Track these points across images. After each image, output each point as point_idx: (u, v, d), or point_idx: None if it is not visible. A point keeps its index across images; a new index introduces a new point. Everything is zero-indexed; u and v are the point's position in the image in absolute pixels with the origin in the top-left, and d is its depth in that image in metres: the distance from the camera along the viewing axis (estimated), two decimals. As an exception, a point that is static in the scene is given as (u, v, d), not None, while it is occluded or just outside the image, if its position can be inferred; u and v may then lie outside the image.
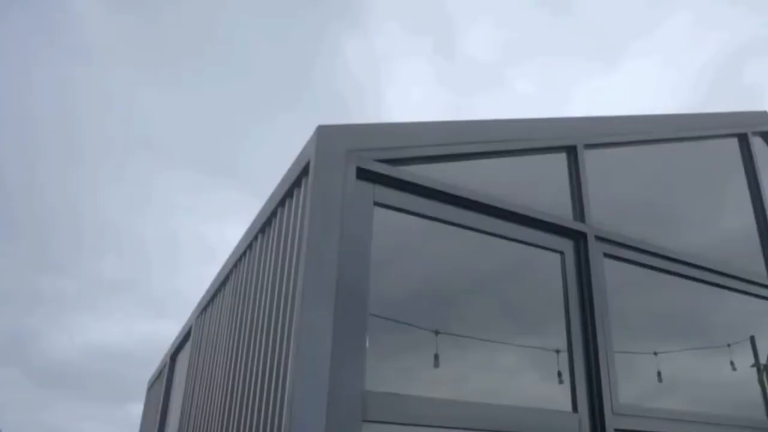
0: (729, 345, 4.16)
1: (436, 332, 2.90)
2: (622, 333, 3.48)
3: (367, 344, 2.50)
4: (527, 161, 3.28)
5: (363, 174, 2.53)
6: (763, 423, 3.72)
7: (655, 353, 3.71)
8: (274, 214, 2.84)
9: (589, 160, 3.44)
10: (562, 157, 3.38)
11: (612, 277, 3.39)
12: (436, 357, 2.85)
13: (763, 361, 4.08)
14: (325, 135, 2.45)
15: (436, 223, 2.82)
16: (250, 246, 3.19)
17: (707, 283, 3.79)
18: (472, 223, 2.88)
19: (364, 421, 2.25)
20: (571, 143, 3.34)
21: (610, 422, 2.87)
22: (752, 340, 4.13)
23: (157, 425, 4.88)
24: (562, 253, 3.13)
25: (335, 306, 2.25)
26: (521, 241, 3.03)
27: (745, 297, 4.07)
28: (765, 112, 4.70)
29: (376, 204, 2.59)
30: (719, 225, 4.25)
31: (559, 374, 3.06)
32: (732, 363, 4.06)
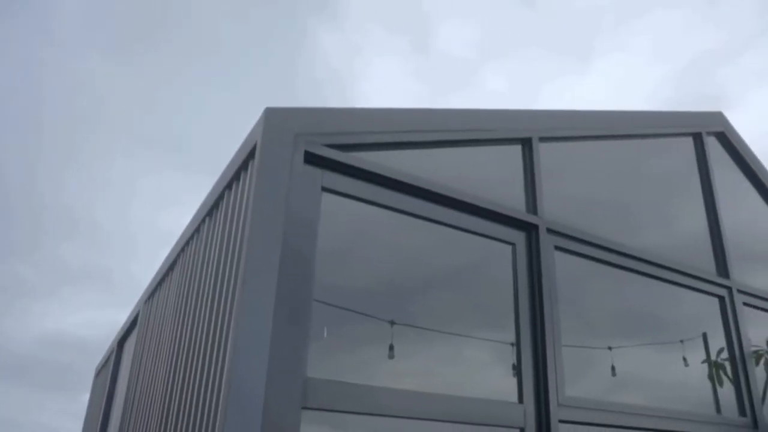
0: (682, 341, 4.24)
1: (392, 323, 2.89)
2: (578, 327, 3.52)
3: (326, 334, 2.49)
4: (482, 152, 3.28)
5: (311, 158, 2.50)
6: (713, 418, 3.79)
7: (610, 348, 3.76)
8: (221, 197, 2.79)
9: (545, 153, 3.45)
10: (518, 149, 3.38)
11: (570, 272, 3.43)
12: (391, 348, 2.84)
13: (713, 357, 4.17)
14: (272, 117, 2.40)
15: (397, 214, 2.80)
16: (197, 230, 3.13)
17: (659, 279, 3.84)
18: (424, 212, 2.87)
19: (304, 408, 2.22)
20: (526, 135, 3.35)
21: (555, 413, 2.89)
22: (704, 336, 4.22)
23: (102, 413, 4.78)
24: (513, 244, 3.14)
25: (277, 291, 2.22)
26: (473, 232, 3.02)
27: (698, 294, 4.15)
28: (720, 113, 4.79)
29: (325, 189, 2.55)
30: (672, 222, 4.31)
31: (514, 367, 3.07)
32: (684, 359, 4.14)
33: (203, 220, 3.03)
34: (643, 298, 3.91)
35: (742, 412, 3.94)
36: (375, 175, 2.70)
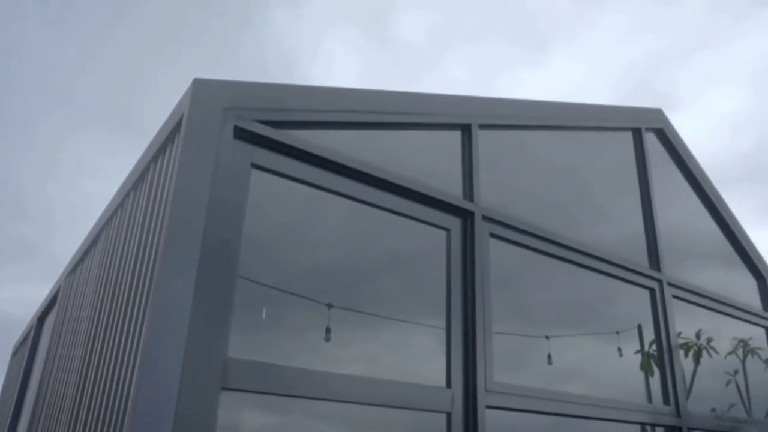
0: (618, 332, 4.33)
1: (329, 306, 2.85)
2: (518, 316, 3.55)
3: (264, 316, 2.46)
4: (422, 136, 3.25)
5: (241, 134, 2.42)
6: (641, 406, 3.89)
7: (548, 337, 3.82)
8: (146, 170, 2.69)
9: (484, 140, 3.45)
10: (457, 135, 3.37)
11: (512, 262, 3.46)
12: (328, 331, 2.81)
13: (647, 348, 4.28)
14: (201, 89, 2.32)
15: (335, 197, 2.76)
16: (122, 203, 3.02)
17: (593, 269, 3.90)
18: (359, 194, 2.83)
19: (224, 388, 2.17)
20: (465, 122, 3.34)
21: (482, 399, 2.91)
22: (639, 328, 4.32)
23: (17, 393, 4.60)
24: (448, 230, 3.13)
25: (199, 268, 2.15)
26: (407, 216, 3.00)
27: (635, 287, 4.25)
28: (659, 110, 4.89)
29: (255, 166, 2.49)
30: (609, 215, 4.39)
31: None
32: (619, 349, 4.24)
33: (128, 194, 2.92)
34: (584, 290, 3.98)
35: (666, 401, 4.06)
36: (309, 154, 2.64)
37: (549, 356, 3.77)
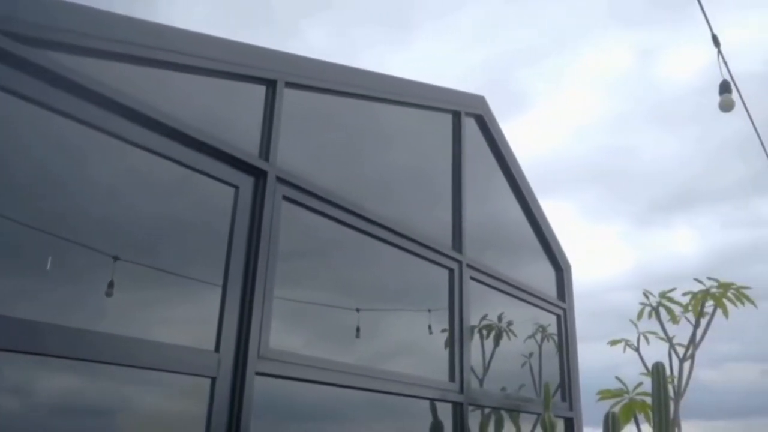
0: (429, 310, 4.43)
1: (115, 258, 2.59)
2: (328, 287, 3.55)
3: (49, 266, 2.28)
4: (223, 87, 3.05)
5: (-24, 45, 2.07)
6: (428, 382, 3.98)
7: (358, 310, 3.79)
8: None
9: (292, 100, 3.30)
10: (262, 90, 3.19)
11: (326, 232, 3.44)
12: (111, 285, 2.55)
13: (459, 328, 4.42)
14: None
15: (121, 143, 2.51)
16: None
17: (392, 245, 3.90)
18: (136, 138, 2.56)
19: None
20: (271, 77, 3.17)
21: (253, 365, 2.79)
22: (450, 308, 4.44)
23: None
24: (237, 187, 2.96)
25: None
26: (192, 168, 2.79)
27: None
28: (482, 97, 5.02)
29: (-4, 86, 2.14)
30: (419, 194, 4.45)
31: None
32: (430, 327, 4.33)
33: None
34: (403, 267, 4.02)
35: (452, 377, 4.20)
36: (75, 84, 2.33)
37: (357, 329, 3.75)
